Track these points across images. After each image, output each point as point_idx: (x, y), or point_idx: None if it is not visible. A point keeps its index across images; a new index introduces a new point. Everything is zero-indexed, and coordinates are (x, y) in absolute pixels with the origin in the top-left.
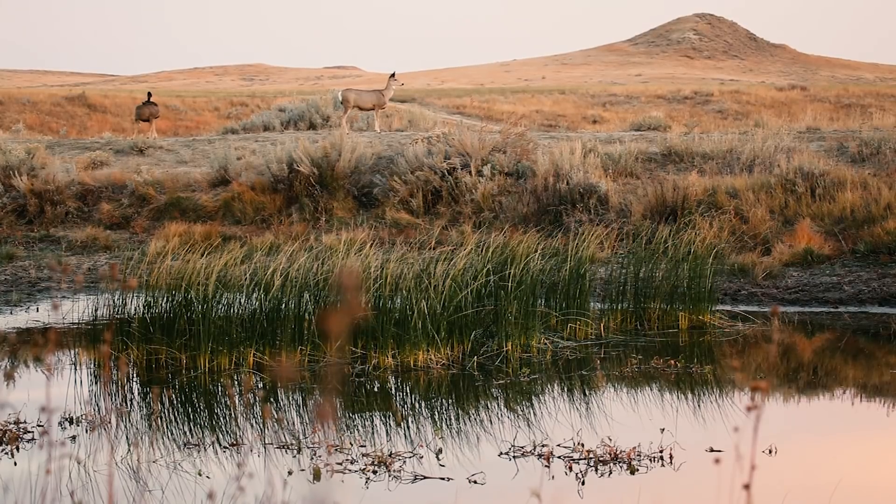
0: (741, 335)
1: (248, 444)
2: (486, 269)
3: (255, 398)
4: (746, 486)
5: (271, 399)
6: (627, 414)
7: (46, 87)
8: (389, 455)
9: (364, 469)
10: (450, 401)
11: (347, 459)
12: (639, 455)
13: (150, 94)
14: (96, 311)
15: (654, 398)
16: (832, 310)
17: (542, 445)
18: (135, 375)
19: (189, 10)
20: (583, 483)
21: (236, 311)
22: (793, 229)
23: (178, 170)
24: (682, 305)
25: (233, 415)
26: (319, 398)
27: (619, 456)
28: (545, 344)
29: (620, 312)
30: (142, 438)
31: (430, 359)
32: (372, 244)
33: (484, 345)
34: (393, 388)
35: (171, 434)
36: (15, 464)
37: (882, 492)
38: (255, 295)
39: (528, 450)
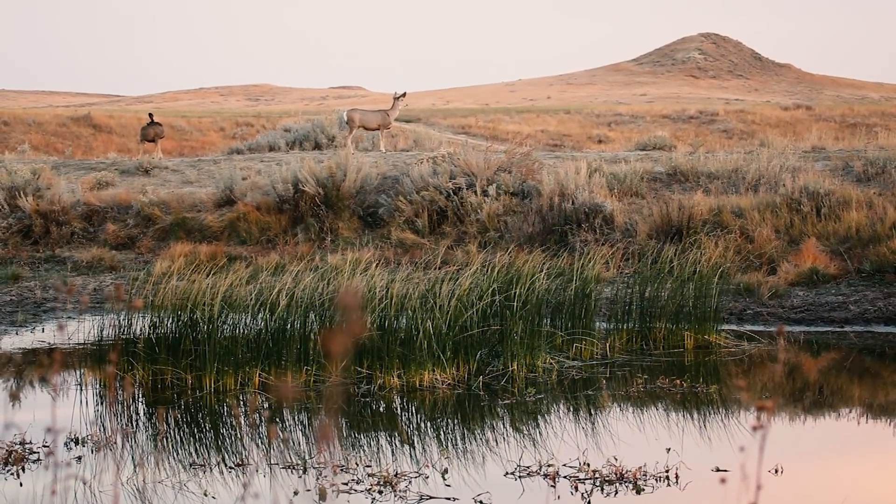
0: (747, 355)
1: (254, 464)
2: (491, 289)
3: (260, 418)
4: None
5: (277, 419)
6: (633, 434)
7: (52, 108)
8: (395, 475)
9: (370, 489)
10: (455, 421)
11: (353, 479)
12: (644, 475)
13: (151, 115)
14: (102, 331)
15: (659, 418)
16: (838, 329)
17: (548, 465)
18: (140, 396)
19: (194, 30)
20: (588, 503)
21: (242, 331)
22: (798, 249)
23: (183, 190)
24: (687, 325)
25: (238, 435)
26: (322, 419)
27: (625, 476)
28: (551, 364)
29: (626, 332)
30: (147, 459)
31: (436, 378)
32: (377, 264)
33: (489, 364)
34: (398, 408)
35: (177, 454)
36: (21, 484)
37: None
38: (260, 315)
39: (534, 470)
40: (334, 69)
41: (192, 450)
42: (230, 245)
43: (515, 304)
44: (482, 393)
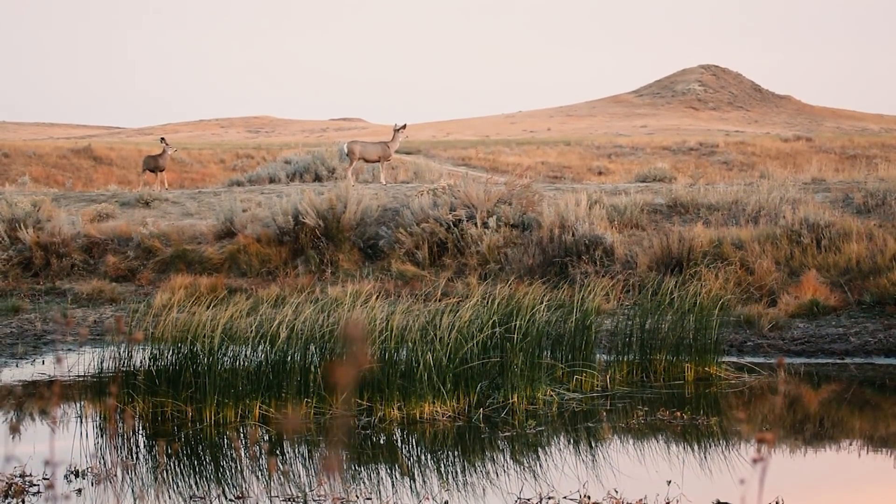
0: (747, 387)
1: (254, 496)
2: (491, 321)
3: (260, 451)
4: None
5: (277, 451)
6: (634, 466)
7: (52, 140)
8: None
9: None
10: (456, 453)
11: None
12: None
13: (163, 140)
14: (102, 363)
15: (660, 450)
16: (838, 361)
17: (549, 497)
18: (140, 428)
19: (194, 62)
20: None
21: (242, 363)
22: (798, 280)
23: (183, 222)
24: (688, 357)
25: (239, 467)
26: (325, 451)
27: None
28: (551, 396)
29: (626, 364)
30: (147, 491)
31: (436, 411)
32: (377, 296)
33: (490, 397)
34: (399, 441)
35: (177, 487)
36: None
37: None
38: (260, 347)
39: (535, 502)
40: (334, 101)
41: (193, 482)
42: (230, 277)
43: (516, 336)
44: (482, 425)
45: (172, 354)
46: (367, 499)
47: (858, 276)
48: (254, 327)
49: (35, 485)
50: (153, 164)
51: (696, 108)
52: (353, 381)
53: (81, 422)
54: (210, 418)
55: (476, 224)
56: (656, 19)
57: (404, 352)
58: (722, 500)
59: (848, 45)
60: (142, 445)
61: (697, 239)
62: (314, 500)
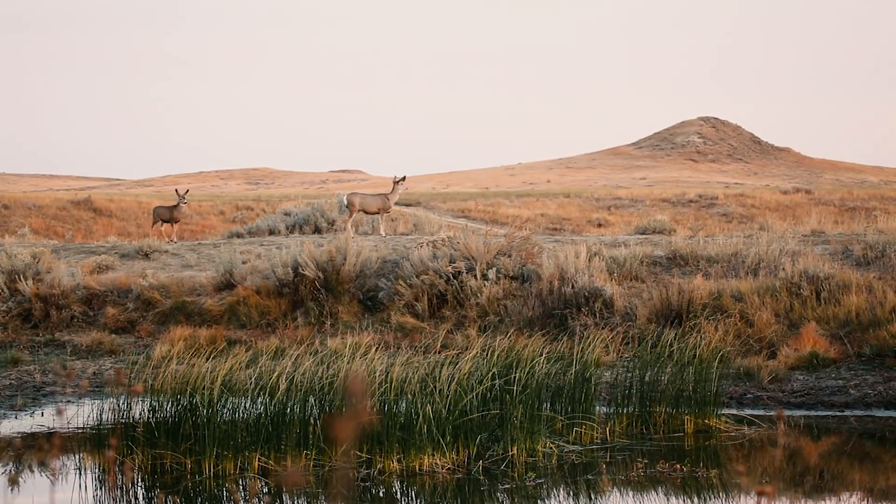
0: (747, 439)
1: None
2: (491, 373)
3: (260, 503)
4: None
5: None
6: None
7: (52, 192)
8: None
9: None
10: None
11: None
12: None
13: (177, 191)
14: (101, 415)
15: (660, 503)
16: (838, 413)
17: None
18: (140, 480)
19: (194, 113)
20: None
21: (241, 415)
22: (798, 333)
23: (183, 274)
24: (687, 409)
25: None
26: (325, 503)
27: None
28: (551, 448)
29: (626, 416)
30: None
31: (436, 463)
32: (377, 348)
33: (489, 449)
34: (398, 493)
35: None
36: None
37: None
38: (260, 399)
39: None
40: (334, 153)
41: None
42: (230, 329)
43: (515, 388)
44: (482, 477)
45: (172, 406)
46: None
47: (858, 328)
48: (253, 379)
49: None
50: (168, 216)
51: (695, 160)
52: (351, 434)
53: (81, 474)
54: (209, 470)
55: (476, 276)
56: (655, 72)
57: (404, 404)
58: None
59: (847, 97)
60: (141, 497)
61: (697, 291)
62: None
